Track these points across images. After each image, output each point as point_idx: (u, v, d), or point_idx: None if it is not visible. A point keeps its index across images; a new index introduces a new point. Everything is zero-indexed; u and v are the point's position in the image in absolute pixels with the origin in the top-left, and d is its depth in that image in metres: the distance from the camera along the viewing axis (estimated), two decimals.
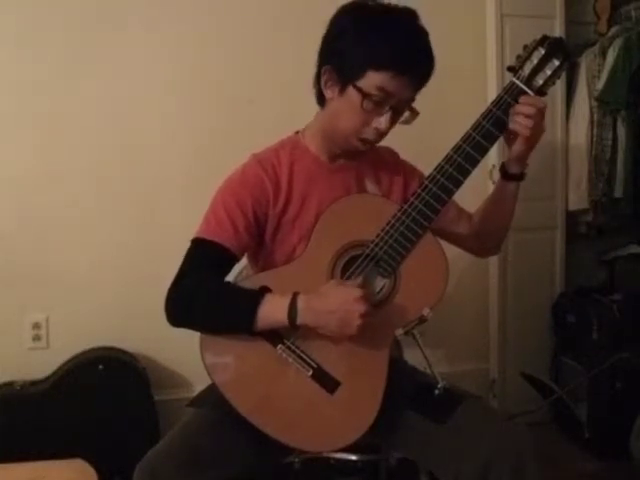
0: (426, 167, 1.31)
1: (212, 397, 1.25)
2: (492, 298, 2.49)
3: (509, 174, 1.33)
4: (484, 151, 1.22)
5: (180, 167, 2.26)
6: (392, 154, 1.47)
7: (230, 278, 1.33)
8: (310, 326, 1.18)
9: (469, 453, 1.16)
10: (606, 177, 2.46)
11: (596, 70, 2.47)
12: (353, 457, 1.43)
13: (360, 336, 1.17)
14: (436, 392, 1.28)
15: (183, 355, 2.04)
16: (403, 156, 1.48)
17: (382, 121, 1.24)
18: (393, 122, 1.26)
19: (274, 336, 1.21)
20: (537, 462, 1.16)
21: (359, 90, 1.21)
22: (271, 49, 2.29)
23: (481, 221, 1.43)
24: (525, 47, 1.22)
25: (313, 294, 1.18)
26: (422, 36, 1.23)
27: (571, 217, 2.59)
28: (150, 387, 2.11)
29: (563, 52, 1.20)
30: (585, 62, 2.52)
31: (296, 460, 1.41)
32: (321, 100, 1.31)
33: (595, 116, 2.48)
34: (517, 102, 1.20)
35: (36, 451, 1.68)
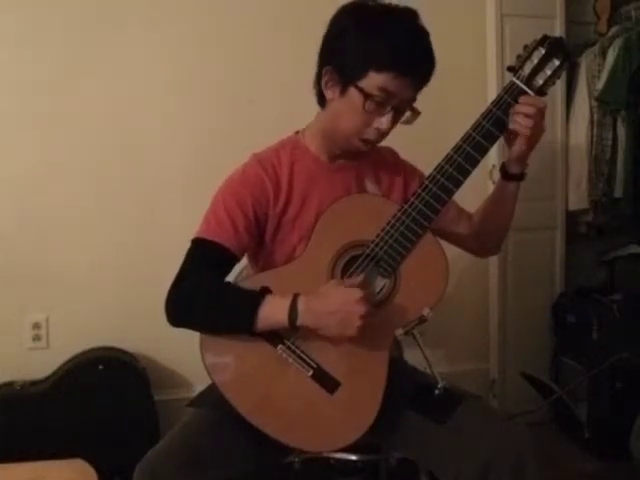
0: (426, 167, 1.31)
1: (212, 397, 1.25)
2: (492, 298, 2.49)
3: (509, 174, 1.33)
4: (484, 151, 1.22)
5: (180, 167, 2.26)
6: (392, 154, 1.47)
7: (230, 278, 1.33)
8: (310, 327, 1.18)
9: (469, 453, 1.16)
10: (606, 177, 2.46)
11: (596, 70, 2.47)
12: (353, 457, 1.43)
13: (360, 336, 1.17)
14: (436, 392, 1.28)
15: (183, 355, 2.04)
16: (403, 156, 1.48)
17: (384, 121, 1.24)
18: (394, 122, 1.26)
19: (274, 336, 1.21)
20: (537, 462, 1.16)
21: (361, 91, 1.21)
22: (271, 49, 2.29)
23: (481, 221, 1.43)
24: (525, 47, 1.22)
25: (313, 295, 1.18)
26: (423, 36, 1.23)
27: (571, 217, 2.59)
28: (150, 387, 2.11)
29: (563, 52, 1.20)
30: (585, 62, 2.52)
31: (296, 460, 1.41)
32: (322, 101, 1.31)
33: (595, 116, 2.48)
34: (517, 102, 1.20)
35: (36, 451, 1.68)
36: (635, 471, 1.90)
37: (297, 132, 1.41)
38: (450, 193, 1.23)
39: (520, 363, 2.42)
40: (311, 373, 1.21)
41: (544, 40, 1.20)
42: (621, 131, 2.42)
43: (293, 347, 1.21)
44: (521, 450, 1.15)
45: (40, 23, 2.13)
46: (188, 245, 1.28)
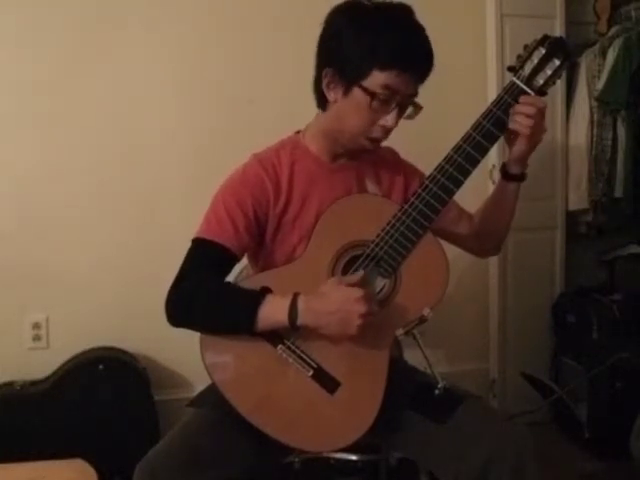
0: (426, 167, 1.31)
1: (212, 397, 1.25)
2: (492, 298, 2.49)
3: (510, 174, 1.33)
4: (484, 151, 1.22)
5: (180, 167, 2.26)
6: (392, 154, 1.47)
7: (230, 278, 1.33)
8: (311, 327, 1.18)
9: (469, 453, 1.16)
10: (606, 177, 2.46)
11: (596, 70, 2.47)
12: (353, 457, 1.43)
13: (360, 336, 1.17)
14: (436, 392, 1.28)
15: (183, 355, 2.04)
16: (403, 156, 1.48)
17: (389, 118, 1.24)
18: (398, 118, 1.26)
19: (274, 336, 1.21)
20: (537, 462, 1.16)
21: (365, 90, 1.21)
22: (271, 49, 2.29)
23: (481, 221, 1.43)
24: (526, 47, 1.22)
25: (313, 295, 1.18)
26: (421, 31, 1.23)
27: (571, 217, 2.58)
28: (150, 387, 2.11)
29: (564, 52, 1.20)
30: (585, 62, 2.52)
31: (296, 460, 1.41)
32: (322, 103, 1.30)
33: (595, 116, 2.48)
34: (517, 102, 1.20)
35: (36, 451, 1.69)
36: (635, 471, 1.89)
37: (297, 132, 1.40)
38: (450, 193, 1.23)
39: (520, 363, 2.42)
40: (311, 373, 1.21)
41: (544, 40, 1.20)
42: (621, 131, 2.43)
43: (293, 347, 1.21)
44: (521, 450, 1.15)
45: (40, 23, 2.13)
46: (188, 245, 1.28)
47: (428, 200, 1.22)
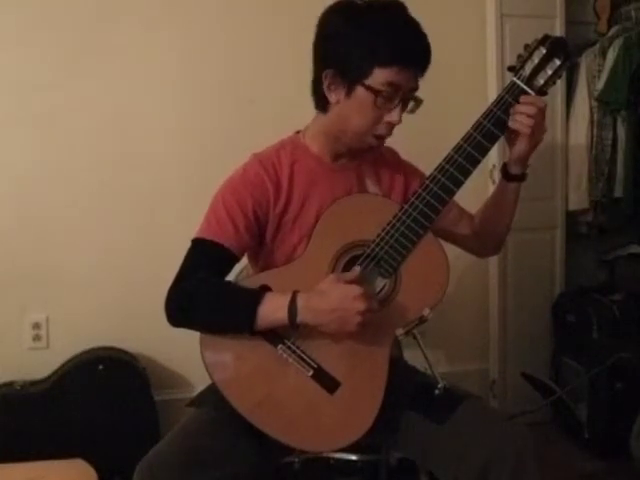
0: (427, 167, 1.31)
1: (212, 397, 1.25)
2: (492, 298, 2.49)
3: (510, 174, 1.33)
4: (485, 151, 1.22)
5: (180, 167, 2.26)
6: (393, 154, 1.47)
7: (230, 278, 1.33)
8: (310, 324, 1.18)
9: (469, 453, 1.16)
10: (606, 177, 2.47)
11: (596, 70, 2.48)
12: (353, 457, 1.42)
13: (360, 336, 1.18)
14: (436, 392, 1.27)
15: (183, 355, 2.04)
16: (404, 156, 1.48)
17: (394, 114, 1.24)
18: (402, 113, 1.26)
19: (274, 336, 1.21)
20: (537, 462, 1.16)
21: (369, 88, 1.21)
22: (272, 49, 2.29)
23: (482, 222, 1.43)
24: (526, 46, 1.22)
25: (313, 292, 1.18)
26: (417, 26, 1.23)
27: (571, 217, 2.59)
28: (150, 387, 2.11)
29: (564, 52, 1.20)
30: (585, 62, 2.52)
31: (296, 460, 1.40)
32: (322, 104, 1.30)
33: (595, 116, 2.48)
34: (518, 102, 1.20)
35: (36, 451, 1.69)
36: (635, 471, 1.90)
37: (297, 132, 1.40)
38: (451, 193, 1.23)
39: (520, 363, 2.42)
40: (311, 373, 1.21)
41: (545, 40, 1.21)
42: (621, 131, 2.43)
43: (293, 347, 1.21)
44: (521, 450, 1.15)
45: (40, 23, 2.13)
46: (188, 245, 1.28)
47: (428, 200, 1.22)
